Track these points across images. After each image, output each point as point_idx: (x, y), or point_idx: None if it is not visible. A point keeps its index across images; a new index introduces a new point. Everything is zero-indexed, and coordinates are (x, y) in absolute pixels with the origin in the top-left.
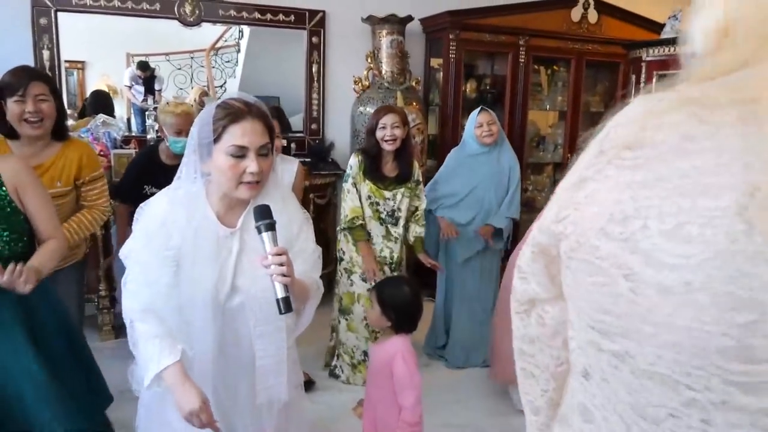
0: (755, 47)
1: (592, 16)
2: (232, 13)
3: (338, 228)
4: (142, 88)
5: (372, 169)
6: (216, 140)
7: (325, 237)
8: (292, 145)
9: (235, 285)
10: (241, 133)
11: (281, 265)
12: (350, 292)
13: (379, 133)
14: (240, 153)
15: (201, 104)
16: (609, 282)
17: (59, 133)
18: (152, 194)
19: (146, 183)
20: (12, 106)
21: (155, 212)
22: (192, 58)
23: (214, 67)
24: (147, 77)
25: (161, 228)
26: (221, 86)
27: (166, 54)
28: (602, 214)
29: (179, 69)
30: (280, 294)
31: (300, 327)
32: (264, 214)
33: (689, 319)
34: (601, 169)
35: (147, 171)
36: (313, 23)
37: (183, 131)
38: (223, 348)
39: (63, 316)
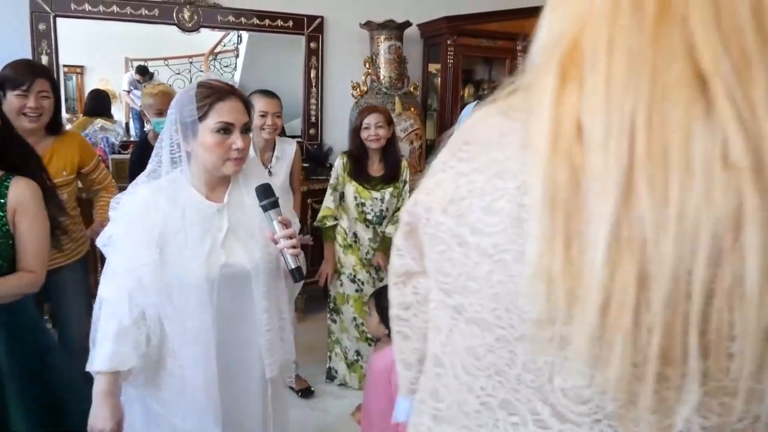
0: (540, 68)
1: None
2: (231, 18)
3: (315, 223)
4: (140, 93)
5: (357, 169)
6: (202, 118)
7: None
8: None
9: (228, 261)
10: (228, 110)
11: (290, 238)
12: (340, 293)
13: (363, 133)
14: (227, 129)
15: None
16: (447, 249)
17: (54, 127)
18: None
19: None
20: (12, 99)
21: (135, 201)
22: (191, 62)
23: (212, 72)
24: (145, 82)
25: (144, 214)
26: None
27: (165, 59)
28: (445, 197)
29: (178, 74)
30: (293, 264)
31: (297, 287)
32: (267, 193)
33: (500, 273)
34: (446, 161)
35: (145, 160)
36: (312, 29)
37: (163, 111)
38: (224, 326)
39: (22, 353)
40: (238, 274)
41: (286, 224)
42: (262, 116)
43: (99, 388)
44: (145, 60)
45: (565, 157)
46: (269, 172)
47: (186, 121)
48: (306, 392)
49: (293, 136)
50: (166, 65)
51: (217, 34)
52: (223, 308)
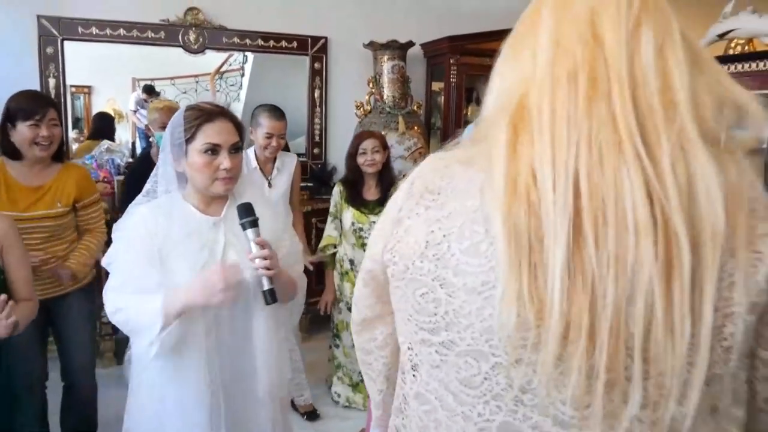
0: (488, 127)
1: None
2: (236, 40)
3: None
4: (146, 111)
5: (353, 195)
6: (190, 140)
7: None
8: None
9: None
10: (214, 132)
11: (265, 258)
12: (341, 320)
13: (359, 159)
14: (215, 150)
15: None
16: (429, 291)
17: (58, 155)
18: None
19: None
20: (24, 129)
21: (135, 220)
22: (197, 82)
23: (218, 91)
24: (152, 100)
25: (144, 233)
26: None
27: (171, 78)
28: (420, 243)
29: (184, 93)
30: (266, 286)
31: (296, 315)
32: (247, 212)
33: (491, 308)
34: (412, 209)
35: (146, 176)
36: (316, 49)
37: (167, 124)
38: (221, 343)
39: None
40: (242, 287)
41: (263, 245)
42: (268, 137)
43: (173, 306)
44: (152, 80)
45: (524, 196)
46: (269, 183)
47: (176, 143)
48: (312, 415)
49: (298, 155)
50: (173, 84)
51: (223, 54)
52: (222, 322)
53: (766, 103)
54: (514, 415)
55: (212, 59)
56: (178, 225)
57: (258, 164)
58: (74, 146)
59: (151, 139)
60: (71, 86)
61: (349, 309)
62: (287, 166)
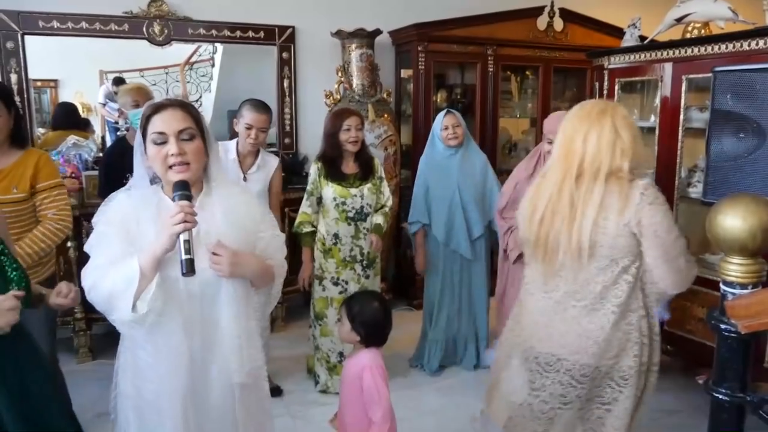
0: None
1: (558, 24)
2: (202, 31)
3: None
4: (116, 105)
5: (333, 171)
6: (144, 135)
7: (301, 249)
8: None
9: (198, 255)
10: (160, 121)
11: (182, 222)
12: (323, 298)
13: (343, 135)
14: (161, 139)
15: None
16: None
17: (19, 141)
18: None
19: (127, 172)
20: None
21: (112, 205)
22: (167, 73)
23: (189, 82)
24: None
25: (122, 220)
26: (197, 101)
27: (140, 70)
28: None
29: (154, 84)
30: (183, 255)
31: (272, 301)
32: (183, 187)
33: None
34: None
35: (122, 161)
36: (283, 39)
37: (140, 102)
38: (194, 329)
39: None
40: (207, 277)
41: (182, 207)
42: (248, 128)
43: (146, 261)
44: (120, 72)
45: (531, 203)
46: (244, 178)
47: (138, 141)
48: (275, 391)
49: (269, 145)
50: (142, 76)
51: (192, 45)
52: (193, 310)
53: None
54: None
55: (181, 50)
56: (151, 215)
57: (237, 157)
58: (39, 142)
59: (125, 126)
60: (37, 80)
61: (335, 284)
62: (267, 166)
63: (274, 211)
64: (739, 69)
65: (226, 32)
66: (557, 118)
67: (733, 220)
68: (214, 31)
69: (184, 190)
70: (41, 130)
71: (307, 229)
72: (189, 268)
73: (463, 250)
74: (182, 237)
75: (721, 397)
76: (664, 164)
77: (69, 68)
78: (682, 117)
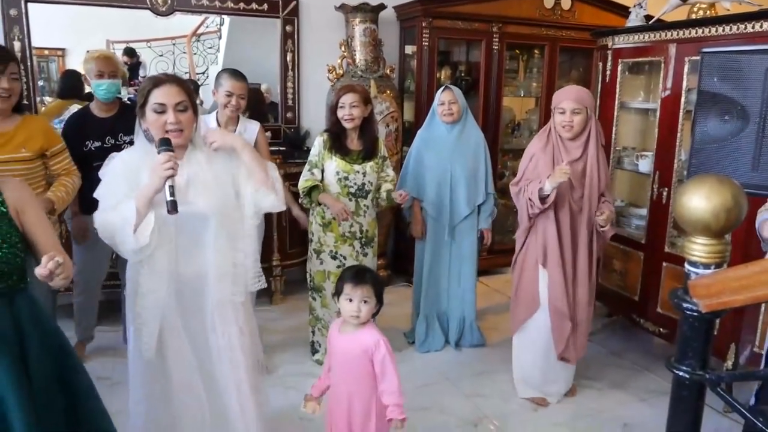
0: None
1: (566, 2)
2: (205, 2)
3: (300, 200)
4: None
5: (337, 145)
6: (144, 103)
7: (301, 223)
8: (268, 134)
9: (187, 200)
10: (161, 94)
11: (170, 168)
12: (321, 271)
13: (339, 112)
14: (161, 109)
15: None
16: None
17: (18, 107)
18: (95, 148)
19: (86, 139)
20: None
21: (115, 162)
22: (174, 44)
23: (195, 54)
24: (133, 64)
25: (123, 171)
26: (203, 72)
27: (148, 41)
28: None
29: (161, 56)
30: (168, 197)
31: (278, 203)
32: (166, 143)
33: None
34: None
35: (83, 129)
36: (287, 12)
37: (104, 73)
38: (187, 256)
39: (55, 346)
40: (195, 214)
41: (167, 158)
42: (228, 95)
43: (141, 199)
44: (127, 42)
45: None
46: None
47: (138, 105)
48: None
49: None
50: (149, 47)
51: (200, 17)
52: (183, 242)
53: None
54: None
55: (189, 21)
56: (147, 168)
57: (219, 126)
58: (42, 110)
59: (127, 96)
60: (44, 49)
61: (333, 258)
62: (248, 132)
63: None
64: (726, 51)
65: (230, 3)
66: (565, 90)
67: (697, 201)
68: (217, 2)
69: (167, 144)
70: (48, 99)
71: (313, 183)
72: (173, 207)
73: (451, 227)
74: (168, 182)
75: (681, 374)
76: (664, 146)
77: (76, 37)
78: (683, 99)
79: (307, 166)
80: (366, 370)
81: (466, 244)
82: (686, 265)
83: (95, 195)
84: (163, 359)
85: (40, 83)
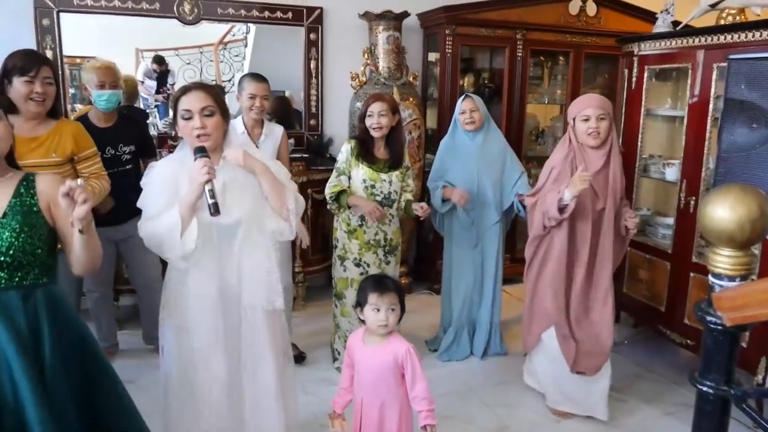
0: None
1: (591, 8)
2: (231, 11)
3: (328, 206)
4: (154, 83)
5: (365, 152)
6: (175, 111)
7: (324, 230)
8: (291, 141)
9: (225, 205)
10: (187, 101)
11: (208, 173)
12: (344, 278)
13: (367, 121)
14: (188, 115)
15: None
16: None
17: (54, 112)
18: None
19: None
20: (20, 85)
21: (155, 170)
22: (201, 52)
23: (222, 62)
24: (162, 72)
25: (163, 179)
26: (230, 80)
27: (176, 49)
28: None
29: (188, 63)
30: (210, 200)
31: (286, 232)
32: (201, 150)
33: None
34: None
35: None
36: (311, 20)
37: (105, 83)
38: (227, 262)
39: (80, 351)
40: (233, 220)
41: (204, 163)
42: (251, 98)
43: (184, 206)
44: (156, 50)
45: None
46: (257, 146)
47: (171, 115)
48: (298, 358)
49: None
50: (177, 55)
51: (226, 25)
52: (224, 247)
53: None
54: None
55: (216, 30)
56: (186, 174)
57: (246, 129)
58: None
59: (155, 102)
60: (76, 57)
61: (357, 265)
62: (273, 135)
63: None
64: (754, 57)
65: (255, 12)
66: (587, 97)
67: (722, 211)
68: (243, 11)
69: (203, 151)
70: (79, 106)
71: (341, 188)
72: (215, 209)
73: (480, 235)
74: (207, 186)
75: (705, 389)
76: (692, 154)
77: (107, 46)
78: (711, 107)
79: (334, 173)
80: (397, 378)
81: (493, 252)
82: (710, 277)
83: (138, 204)
84: (198, 362)
85: (72, 90)
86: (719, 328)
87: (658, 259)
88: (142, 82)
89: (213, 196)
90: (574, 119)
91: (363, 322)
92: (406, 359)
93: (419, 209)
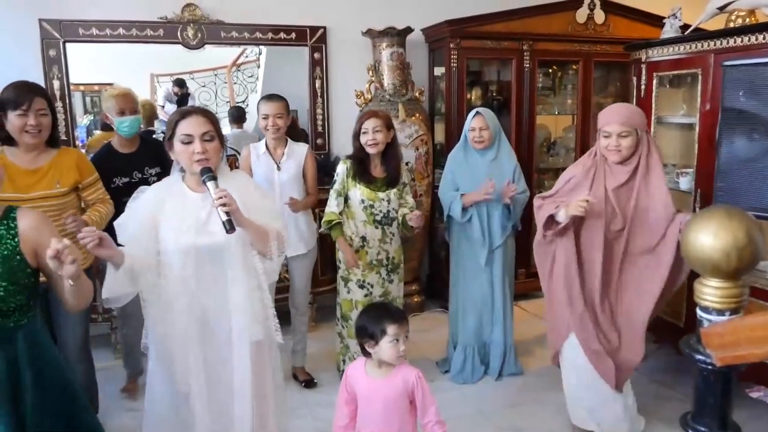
0: None
1: (599, 16)
2: (234, 34)
3: (321, 230)
4: (174, 107)
5: (361, 172)
6: (172, 135)
7: (332, 251)
8: None
9: (208, 230)
10: (187, 125)
11: (222, 197)
12: (348, 300)
13: (362, 138)
14: (188, 140)
15: None
16: None
17: (52, 141)
18: (123, 184)
19: (114, 176)
20: (14, 119)
21: (142, 196)
22: (215, 75)
23: (236, 83)
24: (182, 95)
25: (145, 204)
26: (243, 101)
27: (190, 72)
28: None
29: (203, 86)
30: (224, 218)
31: (270, 273)
32: (207, 171)
33: None
34: None
35: (109, 165)
36: (314, 39)
37: (126, 110)
38: (202, 291)
39: (58, 389)
40: (215, 246)
41: (221, 192)
42: (264, 118)
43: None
44: (171, 75)
45: None
46: (278, 167)
47: (165, 138)
48: (309, 383)
49: None
50: (192, 79)
51: (239, 48)
52: (205, 274)
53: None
54: None
55: (229, 52)
56: (173, 199)
57: (268, 150)
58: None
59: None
60: (94, 84)
61: (360, 287)
62: (296, 154)
63: (314, 195)
64: (751, 63)
65: (258, 34)
66: (612, 110)
67: (704, 238)
68: (246, 34)
69: (210, 173)
70: (98, 132)
71: (336, 222)
72: (230, 227)
73: (489, 253)
74: (222, 208)
75: None
76: (705, 163)
77: (123, 72)
78: (720, 115)
79: (333, 194)
80: (406, 406)
81: (504, 269)
82: (698, 311)
83: (116, 224)
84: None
85: (91, 117)
86: (709, 367)
87: None
88: (162, 106)
89: (228, 214)
90: (599, 131)
91: (366, 354)
92: (417, 385)
93: (413, 218)
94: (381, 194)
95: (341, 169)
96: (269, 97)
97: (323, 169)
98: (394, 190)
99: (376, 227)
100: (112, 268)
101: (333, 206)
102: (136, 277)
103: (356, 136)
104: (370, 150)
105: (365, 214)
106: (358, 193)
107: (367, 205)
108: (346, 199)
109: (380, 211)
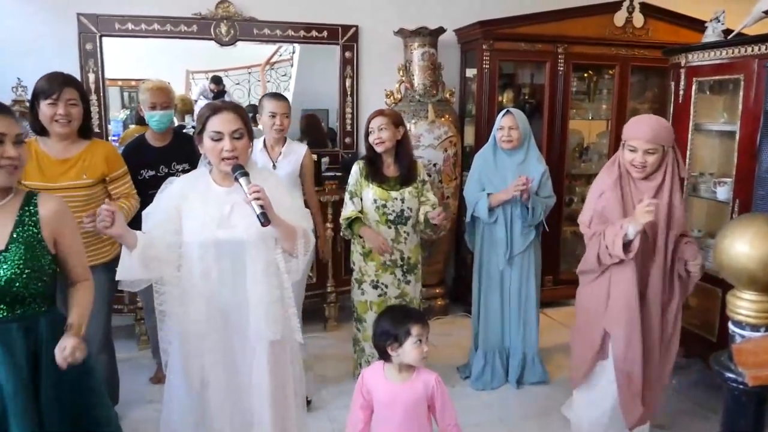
0: None
1: (638, 20)
2: (266, 31)
3: (342, 233)
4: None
5: (373, 172)
6: (202, 130)
7: (349, 251)
8: (325, 159)
9: (230, 224)
10: (218, 122)
11: (256, 192)
12: (363, 301)
13: (369, 137)
14: (218, 137)
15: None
16: None
17: (85, 132)
18: (149, 177)
19: (141, 168)
20: (45, 108)
21: (172, 186)
22: (249, 73)
23: (269, 81)
24: (218, 91)
25: (170, 195)
26: None
27: (225, 70)
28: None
29: (237, 84)
30: (258, 211)
31: (293, 272)
32: (239, 168)
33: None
34: None
35: (139, 158)
36: (346, 38)
37: (157, 104)
38: (221, 286)
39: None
40: (236, 240)
41: (255, 187)
42: (272, 116)
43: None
44: (206, 72)
45: None
46: (273, 165)
47: (195, 133)
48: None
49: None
50: (226, 76)
51: (273, 45)
52: (225, 268)
53: None
54: None
55: (264, 50)
56: (198, 193)
57: (265, 148)
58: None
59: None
60: (131, 80)
61: (374, 287)
62: (294, 153)
63: (311, 197)
64: None
65: (290, 32)
66: (640, 124)
67: (740, 246)
68: (278, 31)
69: (242, 169)
70: (132, 126)
71: (353, 215)
72: (265, 220)
73: (510, 257)
74: (254, 202)
75: None
76: (745, 172)
77: (159, 68)
78: (762, 120)
79: (347, 196)
80: (425, 411)
81: (529, 274)
82: (730, 325)
83: (143, 213)
84: (203, 389)
85: (128, 112)
86: (741, 387)
87: (709, 285)
88: (196, 101)
89: (261, 206)
90: (624, 142)
91: (385, 358)
92: (437, 389)
93: (435, 216)
94: (394, 193)
95: (354, 169)
96: (276, 96)
97: (350, 168)
98: (410, 188)
99: (389, 227)
100: (126, 250)
101: (349, 207)
102: (148, 263)
103: (366, 136)
104: (378, 148)
105: (377, 213)
106: (371, 193)
107: (380, 204)
108: (360, 200)
109: (393, 211)
